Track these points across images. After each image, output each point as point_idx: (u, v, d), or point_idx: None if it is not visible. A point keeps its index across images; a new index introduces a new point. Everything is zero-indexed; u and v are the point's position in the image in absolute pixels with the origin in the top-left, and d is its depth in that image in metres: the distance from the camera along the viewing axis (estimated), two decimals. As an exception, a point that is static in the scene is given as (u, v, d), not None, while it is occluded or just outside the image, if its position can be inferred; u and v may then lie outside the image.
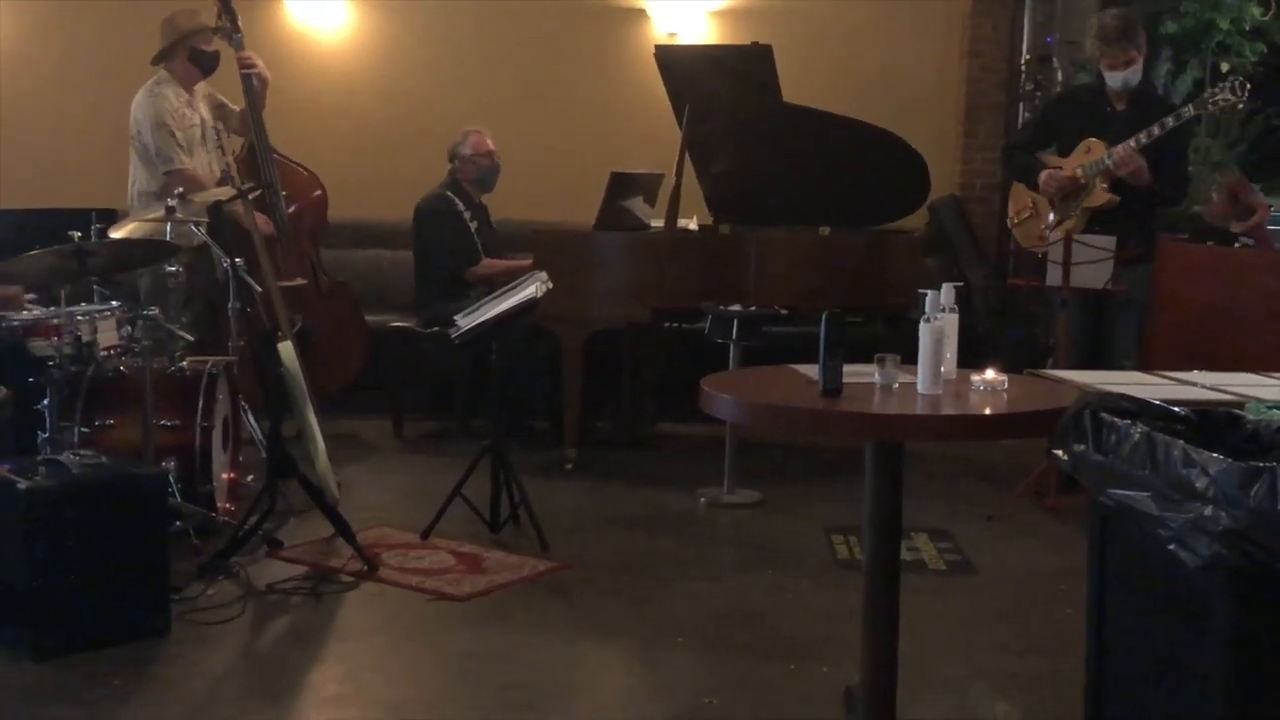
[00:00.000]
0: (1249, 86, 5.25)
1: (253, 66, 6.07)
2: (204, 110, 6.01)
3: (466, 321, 4.82)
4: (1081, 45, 6.53)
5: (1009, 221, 5.98)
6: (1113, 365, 5.29)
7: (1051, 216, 5.61)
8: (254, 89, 6.07)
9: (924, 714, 3.30)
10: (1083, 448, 2.56)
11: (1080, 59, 7.09)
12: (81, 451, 3.96)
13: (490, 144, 6.58)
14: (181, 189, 5.20)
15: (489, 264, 6.48)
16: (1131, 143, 5.26)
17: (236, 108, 6.18)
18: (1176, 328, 5.95)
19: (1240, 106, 5.41)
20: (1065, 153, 5.65)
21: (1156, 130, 5.24)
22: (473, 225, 6.52)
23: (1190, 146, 6.37)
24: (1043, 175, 5.61)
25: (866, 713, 3.14)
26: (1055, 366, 5.25)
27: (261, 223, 5.84)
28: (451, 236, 6.46)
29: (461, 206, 6.51)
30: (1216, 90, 5.26)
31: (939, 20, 7.82)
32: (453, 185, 6.57)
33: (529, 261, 6.07)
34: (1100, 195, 5.45)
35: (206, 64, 5.98)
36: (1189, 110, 5.31)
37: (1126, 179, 5.32)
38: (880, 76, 7.62)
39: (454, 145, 6.59)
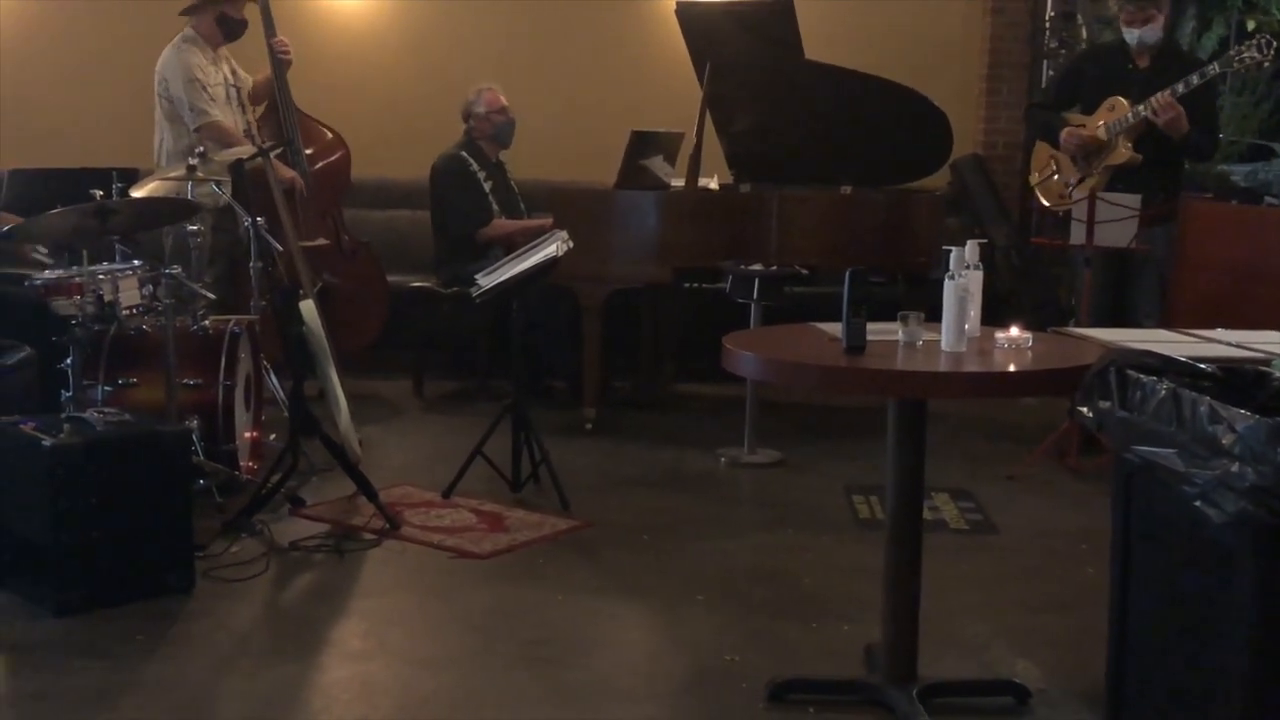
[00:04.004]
0: (1275, 45, 5.20)
1: (286, 52, 6.18)
2: (227, 70, 6.02)
3: (487, 281, 4.80)
4: (1106, 2, 6.46)
5: (1031, 179, 5.95)
6: (1135, 325, 5.26)
7: (1074, 175, 5.58)
8: (280, 66, 6.16)
9: (945, 672, 3.30)
10: (1108, 404, 2.56)
11: (1106, 15, 7.02)
12: (105, 409, 3.98)
13: (503, 99, 6.51)
14: (213, 142, 5.23)
15: (500, 224, 6.44)
16: (1167, 93, 5.22)
17: (249, 77, 6.19)
18: (1201, 286, 5.91)
19: (1266, 65, 5.36)
20: (1089, 111, 5.61)
21: (1181, 88, 5.20)
22: (488, 185, 6.49)
23: (1217, 105, 6.31)
24: (1064, 133, 5.58)
25: (887, 670, 3.15)
26: (1078, 325, 5.23)
27: (288, 177, 5.88)
28: (462, 197, 6.43)
29: (476, 166, 6.48)
30: (1243, 48, 5.21)
31: (962, -24, 7.74)
32: (468, 145, 6.53)
33: (541, 221, 6.06)
34: (1123, 153, 5.42)
35: (232, 30, 5.99)
36: (1214, 68, 5.27)
37: (1164, 127, 5.27)
38: (903, 33, 7.54)
39: (467, 104, 6.54)
